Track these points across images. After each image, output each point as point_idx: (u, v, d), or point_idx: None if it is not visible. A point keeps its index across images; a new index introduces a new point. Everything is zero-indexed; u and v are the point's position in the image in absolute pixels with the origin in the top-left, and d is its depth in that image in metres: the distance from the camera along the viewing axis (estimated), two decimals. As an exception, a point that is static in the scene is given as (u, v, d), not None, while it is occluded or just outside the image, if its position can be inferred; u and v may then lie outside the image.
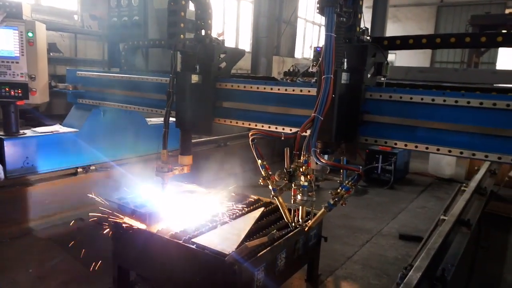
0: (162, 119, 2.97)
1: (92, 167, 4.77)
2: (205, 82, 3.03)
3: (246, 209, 3.21)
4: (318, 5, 2.16)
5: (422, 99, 2.26)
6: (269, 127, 2.87)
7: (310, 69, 6.48)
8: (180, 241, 2.59)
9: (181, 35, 2.83)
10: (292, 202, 2.26)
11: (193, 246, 2.53)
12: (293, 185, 2.22)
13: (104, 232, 2.95)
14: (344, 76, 2.35)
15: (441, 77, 8.03)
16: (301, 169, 2.18)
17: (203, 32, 3.05)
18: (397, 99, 2.35)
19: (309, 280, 3.44)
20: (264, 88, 2.88)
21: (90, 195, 3.17)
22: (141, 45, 4.16)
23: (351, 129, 2.46)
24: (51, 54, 7.99)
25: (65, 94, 4.71)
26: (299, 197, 2.20)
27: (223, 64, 3.21)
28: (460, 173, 7.35)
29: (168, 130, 2.95)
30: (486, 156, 2.14)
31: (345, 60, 2.40)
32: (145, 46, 4.22)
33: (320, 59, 2.16)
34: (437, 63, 20.24)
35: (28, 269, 3.49)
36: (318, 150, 2.16)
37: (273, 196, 2.39)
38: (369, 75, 2.52)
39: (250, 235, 2.73)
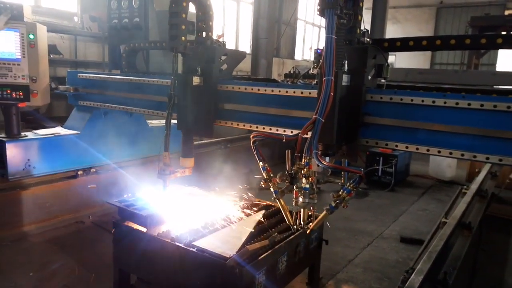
0: (163, 121, 2.97)
1: (93, 169, 4.75)
2: (206, 84, 3.03)
3: (247, 211, 3.20)
4: (318, 7, 2.16)
5: (422, 101, 2.26)
6: (270, 129, 2.87)
7: (311, 71, 6.51)
8: (181, 244, 2.57)
9: (182, 37, 2.83)
10: (293, 205, 2.25)
11: (194, 249, 2.52)
12: (294, 187, 2.21)
13: (107, 234, 2.95)
14: (345, 78, 2.34)
15: (441, 79, 8.04)
16: (302, 171, 2.17)
17: (204, 34, 3.06)
18: (397, 101, 2.35)
19: (310, 283, 3.40)
20: (265, 90, 2.88)
21: (91, 198, 3.16)
22: (142, 47, 4.17)
23: (352, 131, 2.46)
24: (51, 56, 7.99)
25: (65, 96, 4.71)
26: (300, 199, 2.19)
27: (224, 66, 3.21)
28: (461, 175, 7.33)
29: (170, 132, 2.95)
30: (487, 158, 2.13)
31: (346, 62, 2.40)
32: (146, 48, 4.23)
33: (320, 61, 2.16)
34: (437, 65, 20.24)
35: (29, 272, 3.48)
36: (319, 152, 2.15)
37: (274, 199, 2.39)
38: (369, 77, 2.51)
39: (251, 238, 2.72)
